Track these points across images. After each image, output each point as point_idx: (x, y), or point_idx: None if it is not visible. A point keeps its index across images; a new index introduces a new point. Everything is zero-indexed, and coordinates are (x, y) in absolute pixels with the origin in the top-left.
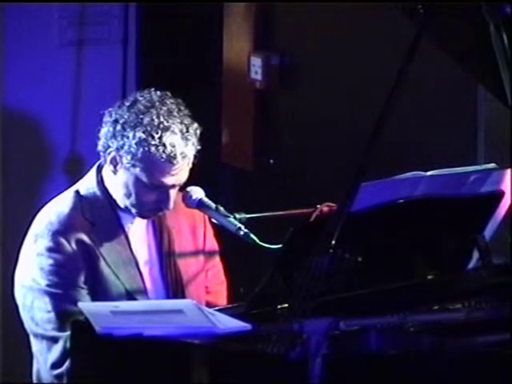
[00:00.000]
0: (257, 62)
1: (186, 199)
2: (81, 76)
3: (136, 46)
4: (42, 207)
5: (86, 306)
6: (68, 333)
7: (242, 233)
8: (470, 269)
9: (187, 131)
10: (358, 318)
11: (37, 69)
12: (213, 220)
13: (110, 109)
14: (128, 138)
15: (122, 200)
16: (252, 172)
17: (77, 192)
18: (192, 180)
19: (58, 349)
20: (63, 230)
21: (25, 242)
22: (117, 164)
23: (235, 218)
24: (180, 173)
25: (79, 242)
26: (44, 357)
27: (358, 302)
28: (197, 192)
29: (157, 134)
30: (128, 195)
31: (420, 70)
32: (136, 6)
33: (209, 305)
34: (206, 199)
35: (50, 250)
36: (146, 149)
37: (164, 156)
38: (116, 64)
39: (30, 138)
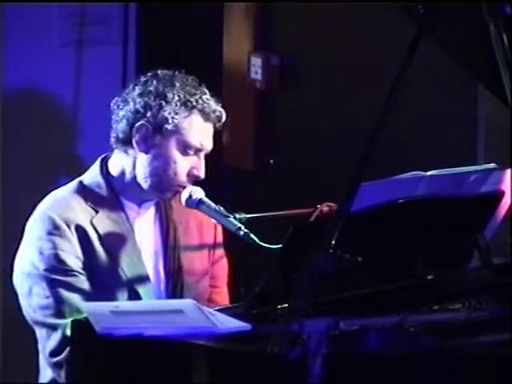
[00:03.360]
0: (257, 62)
1: (186, 199)
2: (81, 76)
3: (136, 46)
4: (44, 197)
5: (86, 305)
6: (67, 320)
7: (241, 233)
8: (470, 269)
9: (212, 95)
10: (358, 318)
11: (37, 69)
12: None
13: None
14: (166, 99)
15: (149, 177)
16: (252, 172)
17: (80, 182)
18: None
19: (56, 336)
20: (64, 214)
21: (26, 229)
22: (147, 138)
23: (235, 217)
24: (211, 136)
25: (80, 227)
26: (43, 344)
27: (358, 302)
28: (197, 192)
29: (194, 92)
30: (160, 168)
31: (420, 70)
32: (136, 6)
33: (217, 303)
34: (206, 199)
35: (49, 233)
36: (189, 105)
37: (206, 111)
38: (116, 64)
39: (30, 139)
